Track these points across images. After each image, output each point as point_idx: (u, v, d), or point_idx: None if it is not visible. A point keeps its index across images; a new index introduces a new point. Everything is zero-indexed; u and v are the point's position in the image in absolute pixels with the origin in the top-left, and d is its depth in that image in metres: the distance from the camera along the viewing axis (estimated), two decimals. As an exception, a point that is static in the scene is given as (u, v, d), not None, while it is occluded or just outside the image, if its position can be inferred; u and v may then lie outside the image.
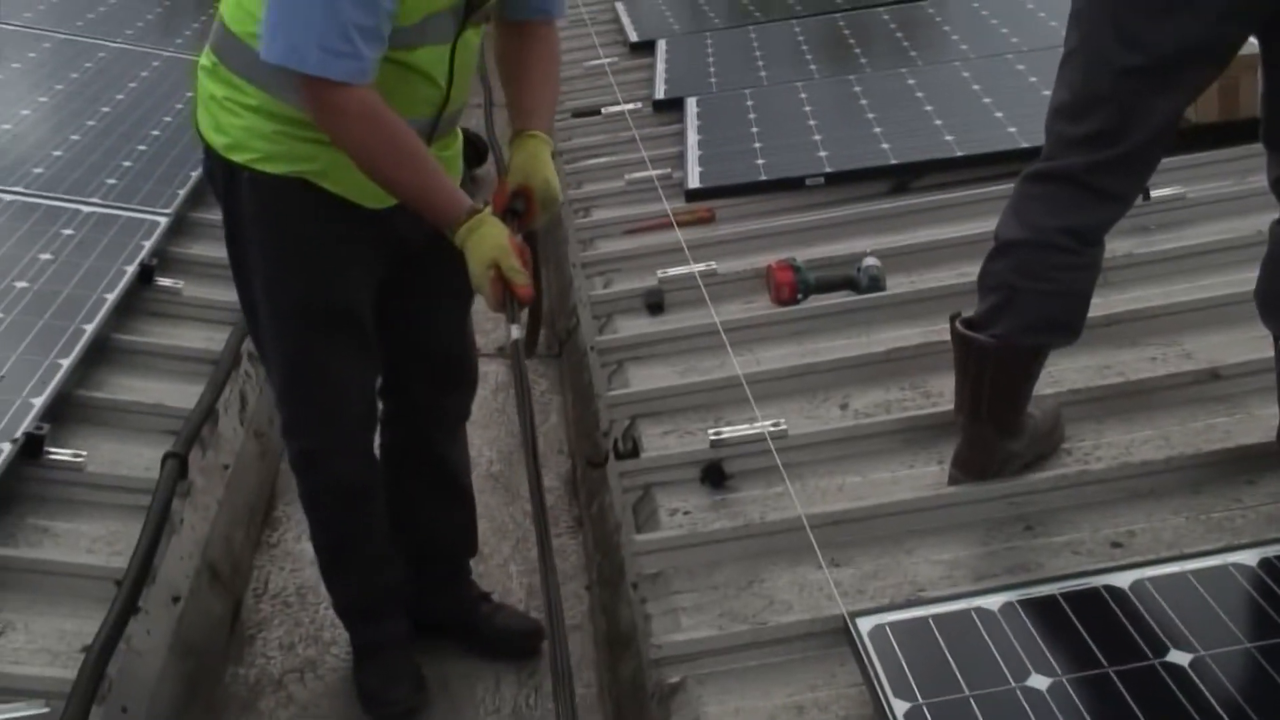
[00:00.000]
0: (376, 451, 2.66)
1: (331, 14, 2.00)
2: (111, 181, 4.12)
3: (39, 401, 2.84)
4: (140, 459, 2.90)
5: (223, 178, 2.32)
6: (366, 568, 2.65)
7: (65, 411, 2.97)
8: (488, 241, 2.17)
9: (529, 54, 2.40)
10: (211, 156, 2.34)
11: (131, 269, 3.55)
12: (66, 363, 3.02)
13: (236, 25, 2.24)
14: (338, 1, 1.99)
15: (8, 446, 2.66)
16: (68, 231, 3.72)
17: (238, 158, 2.27)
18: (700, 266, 3.47)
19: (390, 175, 2.17)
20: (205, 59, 2.33)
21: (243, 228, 2.34)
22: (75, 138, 4.45)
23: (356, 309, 2.41)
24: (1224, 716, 1.76)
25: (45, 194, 3.95)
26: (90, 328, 3.20)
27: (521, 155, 2.34)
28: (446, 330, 2.62)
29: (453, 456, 2.78)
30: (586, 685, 2.73)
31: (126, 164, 4.30)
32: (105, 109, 4.77)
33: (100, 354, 3.24)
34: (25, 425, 2.74)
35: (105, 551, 2.60)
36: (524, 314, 2.23)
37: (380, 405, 2.65)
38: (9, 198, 3.89)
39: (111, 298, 3.37)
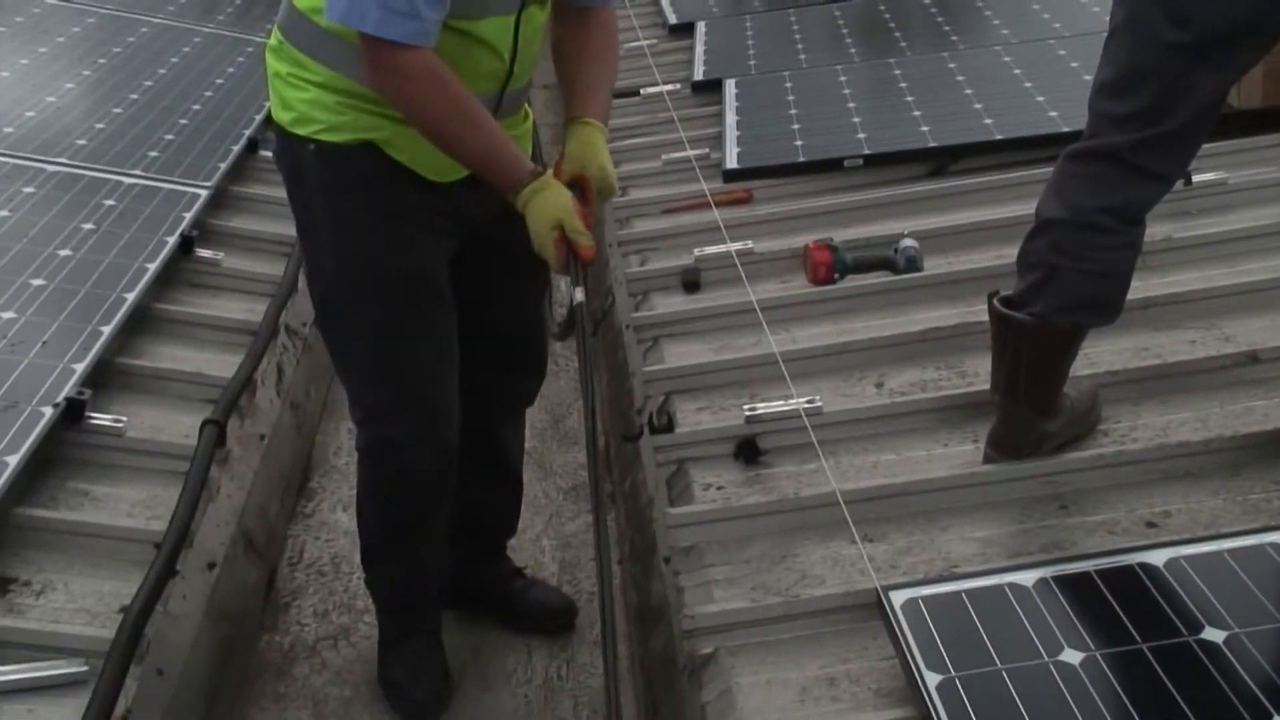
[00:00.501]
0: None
1: None
2: (153, 154, 4.16)
3: (80, 367, 2.87)
4: (179, 426, 2.92)
5: (290, 155, 2.30)
6: (419, 563, 2.58)
7: (106, 378, 3.00)
8: (551, 203, 2.16)
9: (586, 39, 2.36)
10: (279, 135, 2.33)
11: (172, 240, 3.58)
12: (108, 330, 3.05)
13: (302, 2, 2.24)
14: None
15: (50, 411, 2.69)
16: (110, 202, 3.76)
17: (303, 130, 2.25)
18: (737, 245, 3.47)
19: (452, 137, 2.15)
20: (273, 38, 2.33)
21: (314, 202, 2.30)
22: (118, 111, 4.49)
23: (436, 277, 2.36)
24: (1258, 693, 1.75)
25: (88, 165, 3.99)
26: (131, 297, 3.22)
27: (576, 143, 2.30)
28: (515, 313, 2.58)
29: (509, 440, 2.75)
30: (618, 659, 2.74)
31: (168, 137, 4.33)
32: (148, 83, 4.80)
33: (141, 323, 3.27)
34: (67, 390, 2.77)
35: (144, 515, 2.63)
36: (585, 278, 2.25)
37: None
38: (52, 169, 3.92)
39: (153, 268, 3.40)
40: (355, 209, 2.28)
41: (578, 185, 2.27)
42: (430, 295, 2.35)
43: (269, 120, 2.35)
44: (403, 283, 2.32)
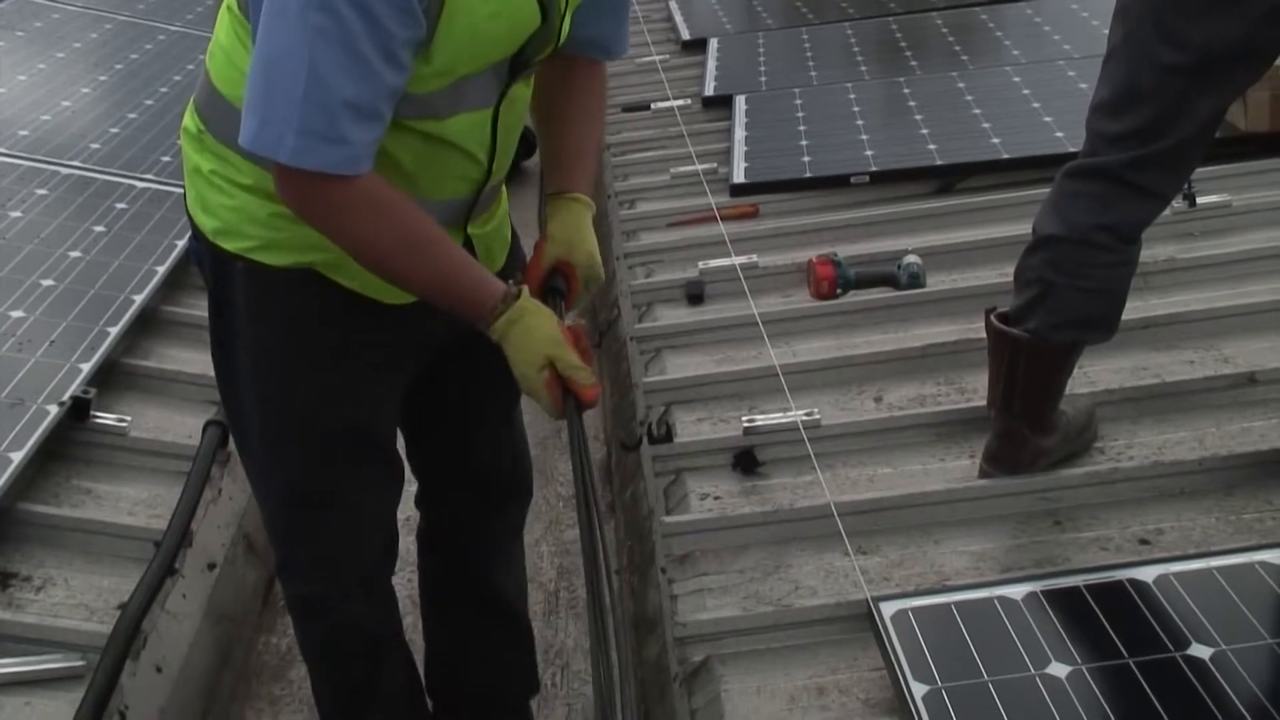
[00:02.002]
0: (401, 584, 2.29)
1: (315, 88, 1.56)
2: (166, 159, 4.19)
3: (87, 367, 2.90)
4: (183, 427, 2.95)
5: (211, 267, 1.90)
6: None
7: (112, 378, 3.03)
8: (536, 334, 1.77)
9: (572, 96, 2.01)
10: (199, 240, 1.91)
11: (181, 244, 3.60)
12: (115, 331, 3.08)
13: (225, 86, 1.81)
14: (323, 72, 1.55)
15: (55, 408, 2.72)
16: (121, 205, 3.79)
17: (230, 245, 1.84)
18: (741, 259, 3.49)
19: (400, 269, 1.74)
20: (190, 121, 1.90)
21: (235, 329, 1.91)
22: (132, 116, 4.53)
23: (377, 430, 2.00)
24: (1242, 710, 1.76)
25: (101, 169, 4.03)
26: (139, 299, 3.26)
27: (561, 224, 1.97)
28: (493, 437, 2.21)
29: (505, 581, 2.33)
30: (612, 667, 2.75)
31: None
32: (162, 89, 4.85)
33: (148, 324, 3.30)
34: (73, 389, 2.80)
35: (145, 514, 2.65)
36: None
37: (418, 519, 2.32)
38: (66, 171, 3.96)
39: (161, 270, 3.43)
40: (287, 350, 1.89)
41: (560, 272, 1.97)
42: (367, 448, 2.00)
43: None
44: (334, 438, 1.95)
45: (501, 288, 1.79)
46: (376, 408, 1.98)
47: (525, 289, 1.81)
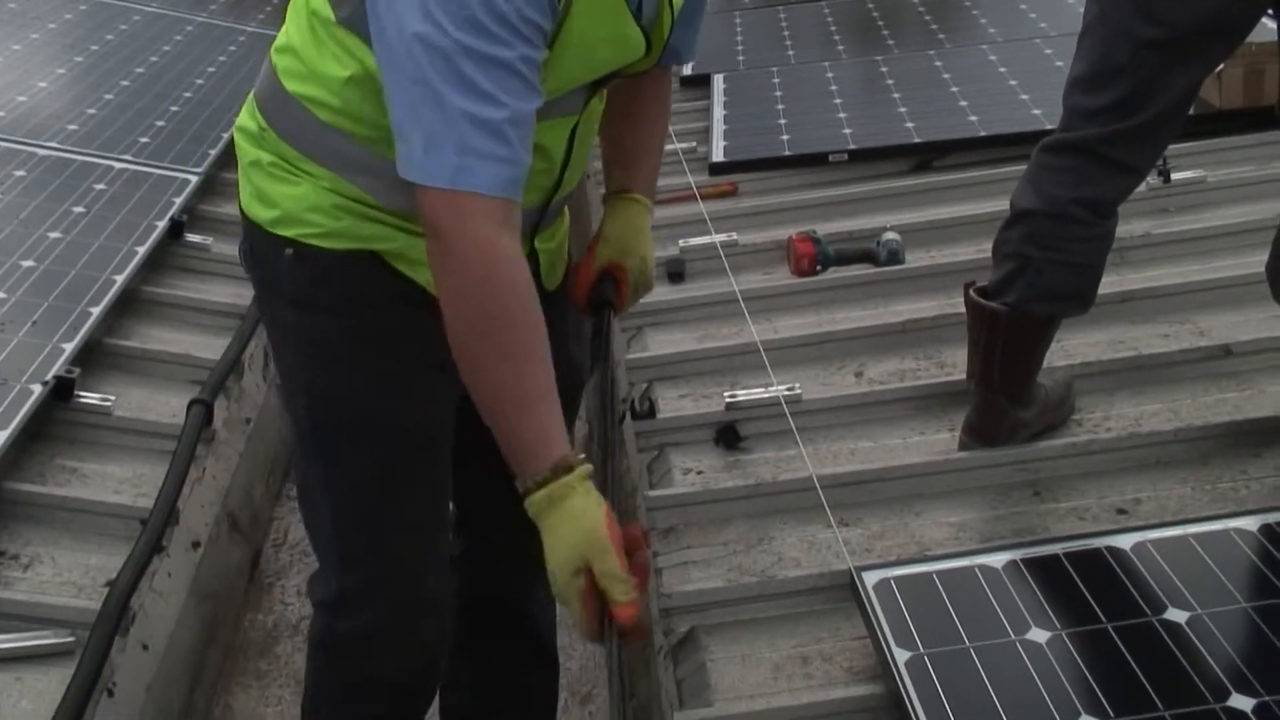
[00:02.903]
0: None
1: (475, 105, 1.48)
2: (144, 140, 4.19)
3: (69, 347, 2.90)
4: (166, 406, 2.96)
5: (260, 258, 1.79)
6: None
7: (94, 358, 3.03)
8: (576, 525, 1.48)
9: (640, 99, 1.91)
10: (253, 234, 1.79)
11: (162, 224, 3.61)
12: (97, 311, 3.08)
13: (294, 83, 1.73)
14: (484, 87, 1.49)
15: (38, 388, 2.73)
16: (100, 186, 3.78)
17: (287, 231, 1.74)
18: (721, 237, 3.51)
19: (483, 363, 1.53)
20: (248, 119, 1.82)
21: (284, 320, 1.80)
22: (109, 97, 4.52)
23: (439, 429, 1.83)
24: (1218, 671, 1.79)
25: (79, 150, 4.02)
26: (120, 279, 3.26)
27: (617, 224, 1.88)
28: None
29: (535, 609, 2.15)
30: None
31: (159, 124, 4.36)
32: (139, 70, 4.83)
33: (129, 304, 3.30)
34: (56, 369, 2.81)
35: (131, 493, 2.66)
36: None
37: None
38: (43, 153, 3.95)
39: (142, 251, 3.43)
40: (339, 337, 1.75)
41: (611, 275, 1.86)
42: (428, 455, 1.83)
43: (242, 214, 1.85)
44: (394, 437, 1.79)
45: (560, 451, 1.50)
46: (438, 409, 1.80)
47: (585, 467, 1.51)
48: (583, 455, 1.53)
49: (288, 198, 1.74)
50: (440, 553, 1.90)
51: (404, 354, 1.76)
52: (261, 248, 1.77)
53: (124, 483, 2.70)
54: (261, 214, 1.76)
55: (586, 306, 1.84)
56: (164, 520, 2.47)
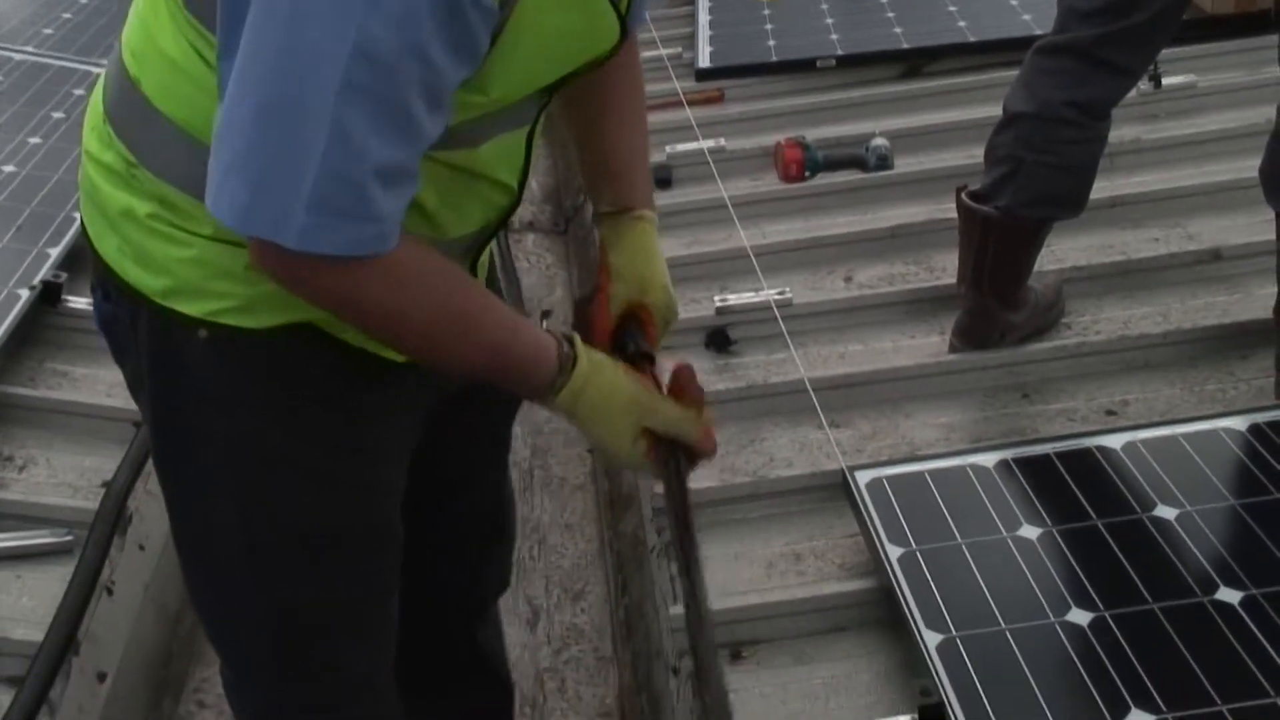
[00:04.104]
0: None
1: (339, 154, 1.14)
2: (48, 31, 4.13)
3: (55, 252, 2.88)
4: (155, 311, 2.94)
5: (151, 343, 1.39)
6: None
7: (81, 263, 2.99)
8: (613, 400, 1.38)
9: (610, 87, 1.54)
10: (133, 307, 1.38)
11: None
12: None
13: (172, 106, 1.31)
14: (352, 133, 1.13)
15: (26, 293, 2.71)
16: (79, 92, 3.73)
17: (190, 309, 1.34)
18: (709, 143, 3.49)
19: (444, 348, 1.34)
20: (102, 150, 1.38)
21: (197, 423, 1.41)
22: (84, 1, 4.44)
23: (395, 519, 1.54)
24: (1206, 566, 1.83)
25: (56, 55, 3.96)
26: (104, 184, 3.22)
27: (627, 253, 1.52)
28: (486, 486, 1.79)
29: (490, 638, 1.95)
30: (588, 540, 2.81)
31: (65, 16, 4.30)
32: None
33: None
34: (43, 274, 2.79)
35: (123, 396, 2.63)
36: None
37: None
38: (19, 57, 3.90)
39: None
40: (279, 437, 1.41)
41: (635, 317, 1.53)
42: (393, 552, 1.55)
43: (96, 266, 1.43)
44: (359, 544, 1.50)
45: (558, 344, 1.36)
46: (395, 491, 1.52)
47: (578, 338, 1.39)
48: (563, 324, 1.47)
49: (181, 262, 1.33)
50: (391, 649, 1.61)
51: (361, 440, 1.45)
52: (154, 327, 1.37)
53: (115, 386, 2.68)
54: (146, 282, 1.35)
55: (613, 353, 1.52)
56: (157, 423, 2.47)
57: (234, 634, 1.54)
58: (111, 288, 1.39)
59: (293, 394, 1.39)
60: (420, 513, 1.59)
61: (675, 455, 1.43)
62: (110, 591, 2.20)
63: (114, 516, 2.21)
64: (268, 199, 1.15)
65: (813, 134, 3.52)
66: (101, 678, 2.14)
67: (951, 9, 4.18)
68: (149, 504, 2.46)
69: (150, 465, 2.38)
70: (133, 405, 2.50)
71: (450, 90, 1.19)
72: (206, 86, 1.24)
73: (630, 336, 1.50)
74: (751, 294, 2.75)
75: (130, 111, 1.35)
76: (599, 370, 1.37)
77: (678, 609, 2.02)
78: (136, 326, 1.39)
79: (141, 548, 2.38)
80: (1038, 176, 2.41)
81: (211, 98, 1.22)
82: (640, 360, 1.48)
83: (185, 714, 2.40)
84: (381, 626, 1.58)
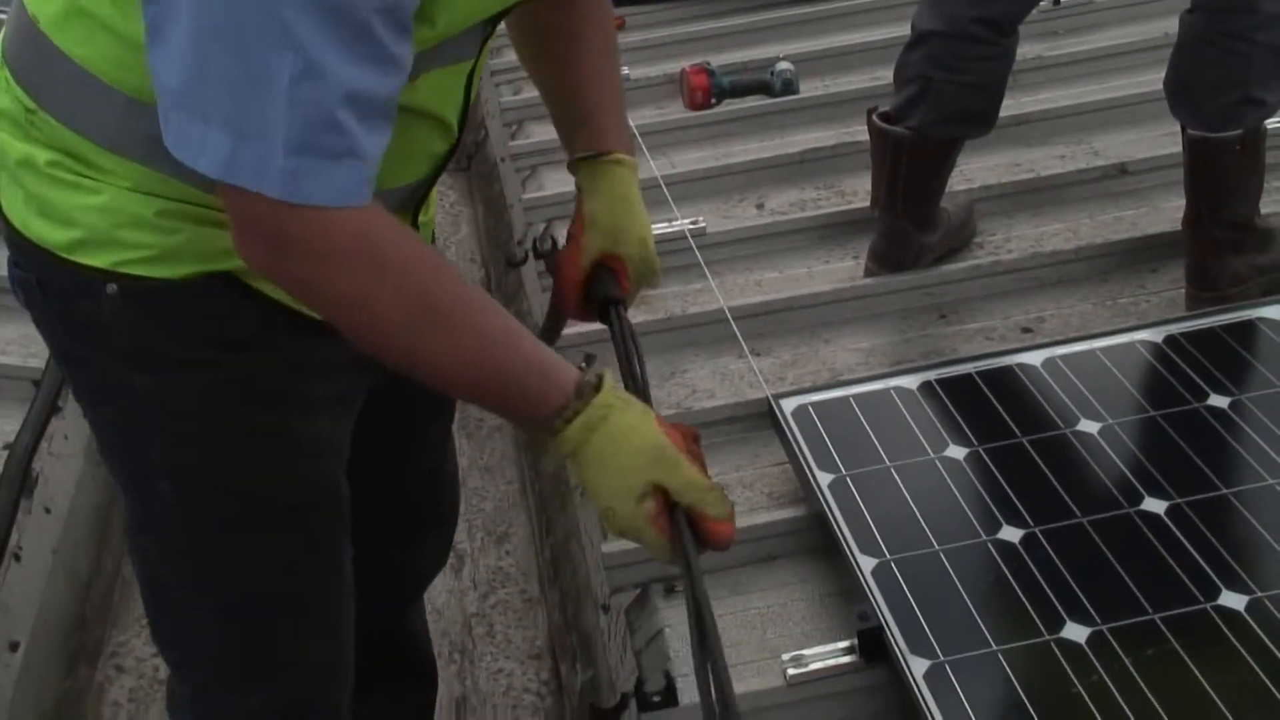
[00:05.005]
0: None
1: (309, 78, 1.03)
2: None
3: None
4: (47, 265, 2.83)
5: (72, 301, 1.28)
6: None
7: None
8: (630, 443, 1.20)
9: (570, 14, 1.44)
10: (40, 263, 1.27)
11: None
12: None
13: (73, 43, 1.20)
14: (315, 53, 1.03)
15: (-92, 250, 2.60)
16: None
17: (99, 260, 1.24)
18: (613, 72, 3.43)
19: (423, 349, 1.17)
20: (1, 95, 1.28)
21: (115, 382, 1.30)
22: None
23: (338, 478, 1.41)
24: (1130, 477, 1.85)
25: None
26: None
27: (602, 200, 1.43)
28: (427, 463, 1.67)
29: (418, 624, 1.86)
30: (509, 482, 2.78)
31: None
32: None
33: None
34: (-75, 230, 2.67)
35: (19, 353, 2.56)
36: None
37: None
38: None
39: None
40: (206, 395, 1.30)
41: (606, 267, 1.44)
42: (341, 518, 1.43)
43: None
44: (303, 513, 1.38)
45: (571, 374, 1.20)
46: (335, 449, 1.40)
47: (608, 375, 1.22)
48: (588, 363, 1.24)
49: (87, 210, 1.23)
50: (349, 620, 1.48)
51: (297, 399, 1.34)
52: (62, 283, 1.26)
53: (10, 342, 2.59)
54: (51, 235, 1.25)
55: (583, 311, 1.46)
56: (59, 381, 2.38)
57: (190, 630, 1.41)
58: (16, 246, 1.29)
59: (215, 345, 1.29)
60: (357, 485, 1.45)
61: (682, 530, 1.20)
62: (18, 558, 2.13)
63: (19, 480, 2.13)
64: (247, 145, 1.05)
65: (716, 60, 3.48)
66: (13, 647, 2.07)
67: (849, -71, 4.14)
68: (54, 466, 2.38)
69: (53, 427, 2.32)
70: (30, 364, 2.43)
71: (410, 11, 1.09)
72: (113, 24, 1.16)
73: (603, 284, 1.42)
74: (665, 224, 2.72)
75: (29, 51, 1.24)
76: (624, 407, 1.21)
77: (607, 546, 2.00)
78: (45, 288, 1.29)
79: (48, 511, 2.30)
80: (947, 95, 2.40)
81: (118, 36, 1.14)
82: (609, 306, 1.40)
83: (103, 679, 2.34)
84: (341, 607, 1.45)
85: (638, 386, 1.36)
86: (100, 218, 1.23)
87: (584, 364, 1.24)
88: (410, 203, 1.36)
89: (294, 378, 1.33)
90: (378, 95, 1.08)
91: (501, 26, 1.33)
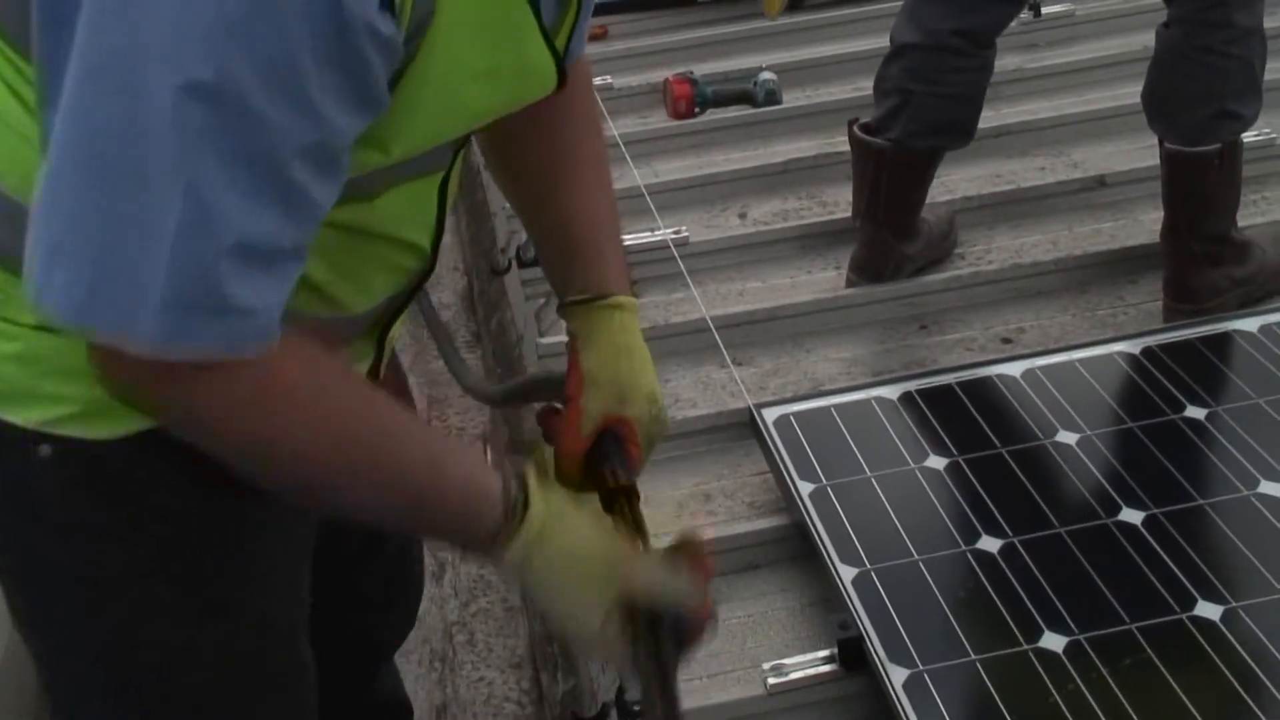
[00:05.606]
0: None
1: (197, 228, 0.87)
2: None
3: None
4: None
5: None
6: None
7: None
8: (582, 557, 1.09)
9: (562, 131, 1.26)
10: None
11: None
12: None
13: None
14: (209, 198, 0.87)
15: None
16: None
17: (24, 417, 1.09)
18: (596, 80, 3.42)
19: (339, 487, 1.03)
20: None
21: (40, 557, 1.15)
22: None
23: (299, 653, 1.28)
24: (1108, 488, 1.87)
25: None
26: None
27: (602, 354, 1.25)
28: (388, 551, 1.54)
29: (385, 681, 1.71)
30: (491, 490, 2.78)
31: None
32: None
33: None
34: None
35: None
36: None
37: None
38: None
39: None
40: (146, 569, 1.15)
41: (616, 436, 1.24)
42: (297, 688, 1.29)
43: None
44: (248, 683, 1.23)
45: (497, 485, 1.05)
46: (293, 619, 1.26)
47: (532, 473, 1.08)
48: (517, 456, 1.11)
49: (4, 360, 1.07)
50: None
51: (245, 572, 1.18)
52: None
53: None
54: None
55: (587, 484, 1.24)
56: None
57: None
58: None
59: (155, 516, 1.13)
60: (322, 577, 1.32)
61: (658, 635, 1.08)
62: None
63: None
64: (109, 290, 0.87)
65: (699, 69, 3.50)
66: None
67: (831, -59, 4.16)
68: None
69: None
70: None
71: (343, 147, 0.93)
72: (26, 133, 0.98)
73: (608, 461, 1.21)
74: (648, 234, 2.73)
75: None
76: (559, 519, 1.07)
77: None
78: None
79: None
80: (927, 107, 2.43)
81: (33, 147, 0.93)
82: (619, 497, 1.20)
83: None
84: None
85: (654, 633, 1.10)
86: (18, 369, 1.07)
87: (485, 448, 1.10)
88: (379, 325, 1.20)
89: (247, 547, 1.17)
90: (282, 244, 0.92)
91: None
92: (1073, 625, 1.64)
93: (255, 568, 1.19)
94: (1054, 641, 1.62)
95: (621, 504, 1.21)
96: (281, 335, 0.94)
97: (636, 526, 1.19)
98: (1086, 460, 1.92)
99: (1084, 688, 1.56)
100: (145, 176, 0.86)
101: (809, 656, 1.72)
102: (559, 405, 1.27)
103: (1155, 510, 1.81)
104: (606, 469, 1.21)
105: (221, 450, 1.00)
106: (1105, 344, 2.18)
